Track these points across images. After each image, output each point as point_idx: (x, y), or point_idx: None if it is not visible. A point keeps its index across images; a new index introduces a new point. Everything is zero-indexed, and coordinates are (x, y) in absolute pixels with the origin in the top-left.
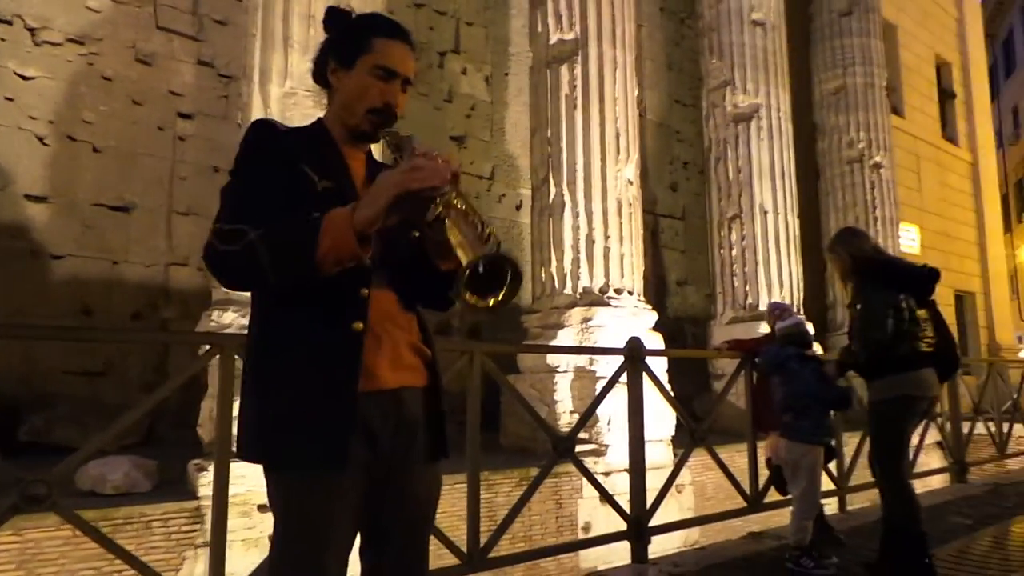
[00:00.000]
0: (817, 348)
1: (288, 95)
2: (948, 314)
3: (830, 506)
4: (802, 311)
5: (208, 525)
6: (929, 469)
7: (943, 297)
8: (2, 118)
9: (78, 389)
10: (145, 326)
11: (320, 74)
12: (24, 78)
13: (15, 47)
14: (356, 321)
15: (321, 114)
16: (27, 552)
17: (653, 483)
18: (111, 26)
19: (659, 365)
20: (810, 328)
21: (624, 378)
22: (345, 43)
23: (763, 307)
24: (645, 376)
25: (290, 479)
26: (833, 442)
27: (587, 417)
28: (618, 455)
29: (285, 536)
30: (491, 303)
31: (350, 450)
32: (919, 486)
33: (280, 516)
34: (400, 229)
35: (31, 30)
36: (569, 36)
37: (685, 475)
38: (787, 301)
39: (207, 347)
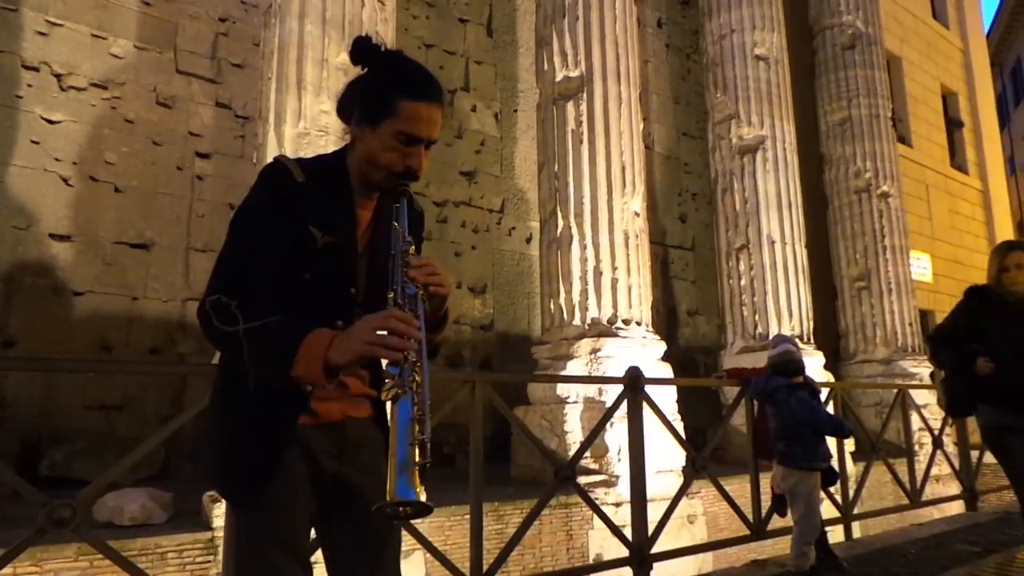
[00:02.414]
0: (827, 375)
1: (301, 135)
2: None
3: (835, 534)
4: (812, 340)
5: (221, 556)
6: (941, 496)
7: None
8: (29, 160)
9: (96, 424)
10: (163, 359)
11: (344, 115)
12: (50, 122)
13: (42, 93)
14: None
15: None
16: None
17: (661, 513)
18: (134, 71)
19: (666, 395)
20: (820, 358)
21: (625, 407)
22: (371, 100)
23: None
24: (646, 405)
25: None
26: (835, 466)
27: (588, 444)
28: (629, 486)
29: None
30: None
31: (289, 465)
32: (934, 513)
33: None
34: (384, 276)
35: (57, 76)
36: (575, 73)
37: (697, 506)
38: (797, 330)
39: None
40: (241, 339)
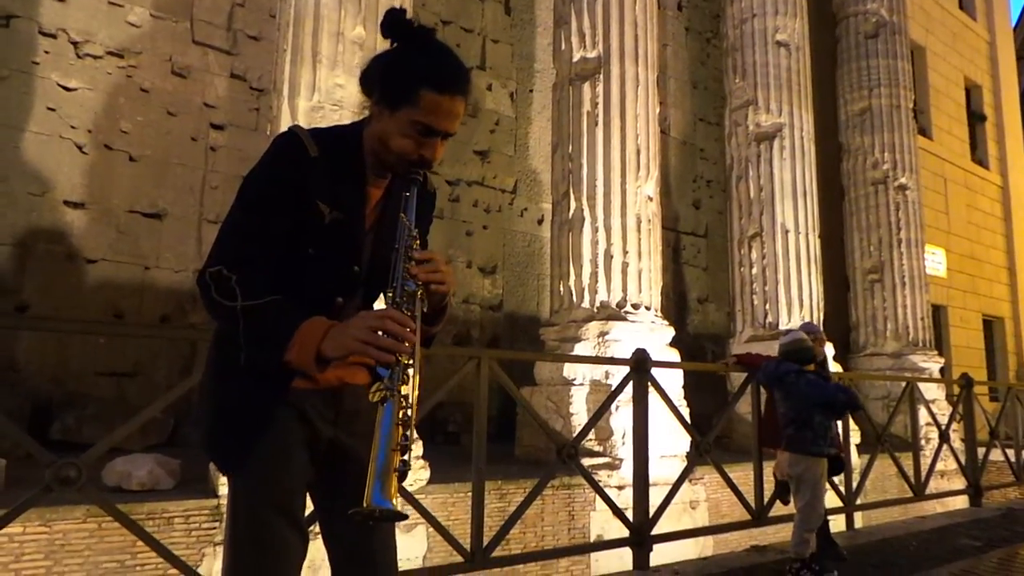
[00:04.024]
0: (836, 367)
1: (315, 108)
2: (976, 339)
3: (837, 523)
4: (823, 331)
5: (225, 523)
6: (945, 491)
7: (970, 321)
8: (44, 127)
9: (107, 390)
10: (174, 326)
11: (365, 89)
12: (66, 89)
13: (58, 60)
14: None
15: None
16: (55, 543)
17: (663, 497)
18: (150, 40)
19: (673, 380)
20: (830, 349)
21: (630, 388)
22: (392, 84)
23: (783, 326)
24: (652, 389)
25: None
26: (840, 453)
27: (593, 424)
28: (632, 469)
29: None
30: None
31: (284, 428)
32: (937, 507)
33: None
34: (389, 254)
35: (74, 43)
36: (592, 54)
37: (700, 492)
38: (807, 319)
39: None
40: (238, 315)
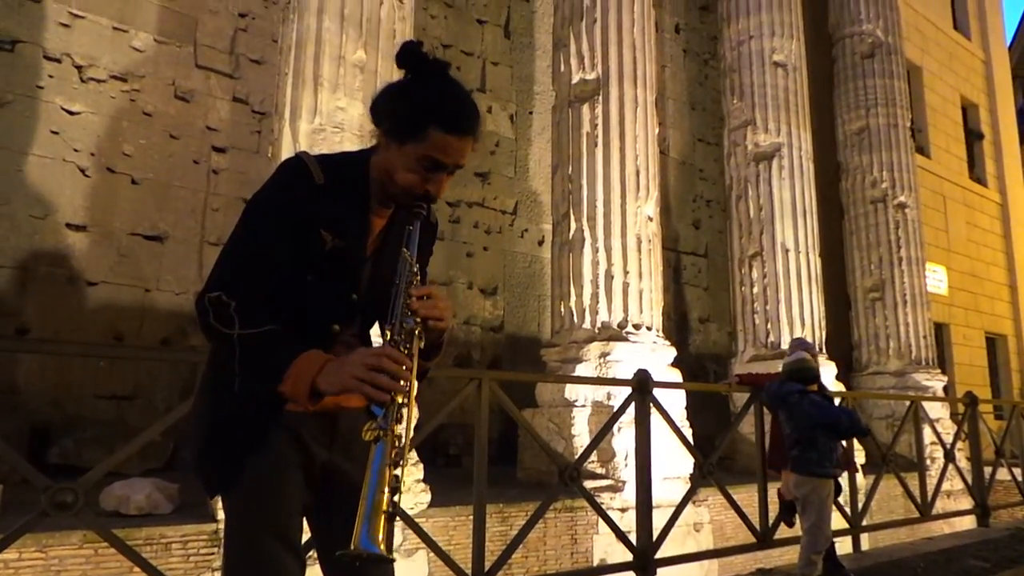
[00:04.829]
0: (839, 386)
1: (317, 131)
2: (979, 357)
3: (843, 545)
4: (824, 350)
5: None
6: (952, 511)
7: (973, 339)
8: (47, 150)
9: (106, 413)
10: (174, 349)
11: (375, 119)
12: (70, 113)
13: (63, 84)
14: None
15: (355, 146)
16: (51, 569)
17: (667, 519)
18: (153, 64)
19: (675, 400)
20: (832, 368)
21: (632, 410)
22: (401, 119)
23: (784, 345)
24: (655, 409)
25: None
26: (854, 471)
27: (594, 445)
28: (635, 491)
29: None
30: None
31: (279, 451)
32: (944, 528)
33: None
34: (388, 283)
35: (78, 68)
36: (591, 76)
37: (703, 514)
38: (808, 338)
39: None
40: (235, 343)
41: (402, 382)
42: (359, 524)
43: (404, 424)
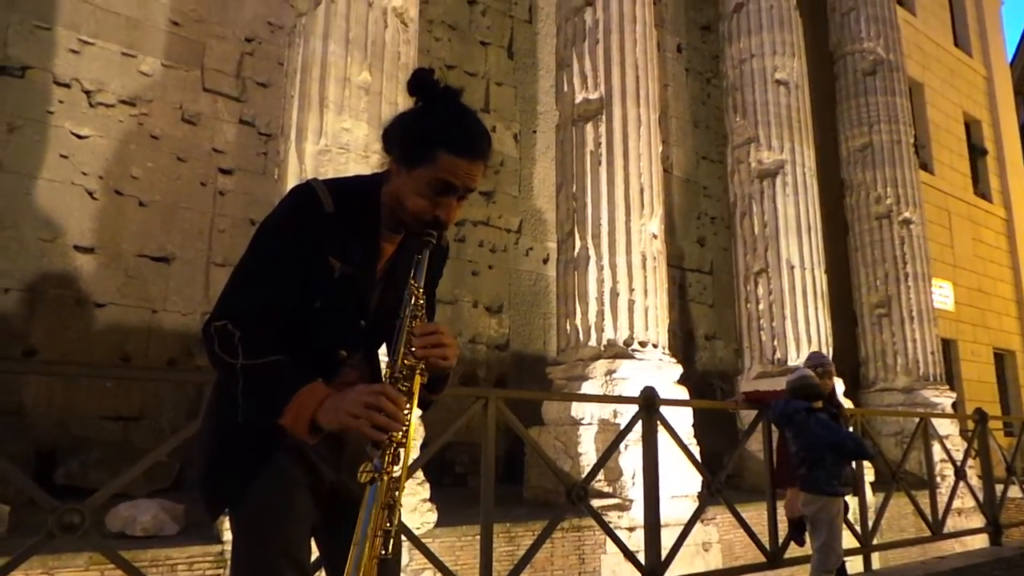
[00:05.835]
0: (847, 403)
1: (322, 152)
2: (988, 373)
3: (854, 564)
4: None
5: (229, 570)
6: (963, 529)
7: (981, 355)
8: (56, 174)
9: (112, 434)
10: (181, 369)
11: (386, 146)
12: (79, 137)
13: (72, 109)
14: (321, 376)
15: (363, 169)
16: None
17: (675, 538)
18: (161, 89)
19: (682, 418)
20: (840, 385)
21: (639, 427)
22: (411, 145)
23: (791, 362)
24: (662, 427)
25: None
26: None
27: (601, 464)
28: (643, 510)
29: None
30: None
31: (286, 471)
32: (956, 546)
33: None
34: (395, 310)
35: (87, 92)
36: (594, 95)
37: (712, 533)
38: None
39: None
40: (238, 373)
41: (398, 423)
42: (348, 571)
43: (400, 464)
